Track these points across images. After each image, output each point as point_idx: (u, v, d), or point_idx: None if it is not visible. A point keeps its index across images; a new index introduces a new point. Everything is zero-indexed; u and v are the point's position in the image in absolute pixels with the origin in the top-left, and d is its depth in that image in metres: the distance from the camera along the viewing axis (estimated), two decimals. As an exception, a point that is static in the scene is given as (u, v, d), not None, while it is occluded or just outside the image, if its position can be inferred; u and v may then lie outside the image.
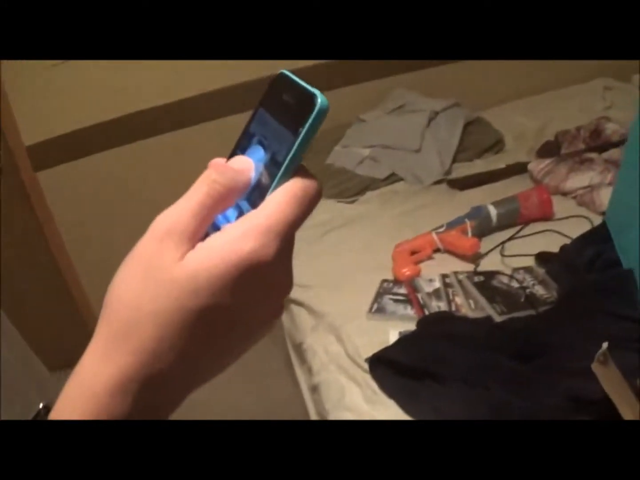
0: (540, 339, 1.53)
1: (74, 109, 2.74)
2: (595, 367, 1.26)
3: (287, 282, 0.50)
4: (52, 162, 2.82)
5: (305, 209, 0.48)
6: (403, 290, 1.89)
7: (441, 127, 2.51)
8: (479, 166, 2.44)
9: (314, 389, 1.81)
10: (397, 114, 2.59)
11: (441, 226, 2.07)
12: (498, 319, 1.67)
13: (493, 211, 2.05)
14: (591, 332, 1.48)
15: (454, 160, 2.46)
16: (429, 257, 2.03)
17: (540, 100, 2.77)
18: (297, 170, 0.48)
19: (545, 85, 2.81)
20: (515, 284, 1.78)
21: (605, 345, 1.29)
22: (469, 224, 2.03)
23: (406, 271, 1.94)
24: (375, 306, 1.86)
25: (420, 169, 2.43)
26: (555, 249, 1.89)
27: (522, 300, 1.72)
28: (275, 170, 0.48)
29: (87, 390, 0.47)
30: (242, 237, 0.46)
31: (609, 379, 1.27)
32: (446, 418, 1.47)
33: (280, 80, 0.51)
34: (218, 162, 0.51)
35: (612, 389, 1.25)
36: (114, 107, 2.74)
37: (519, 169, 2.32)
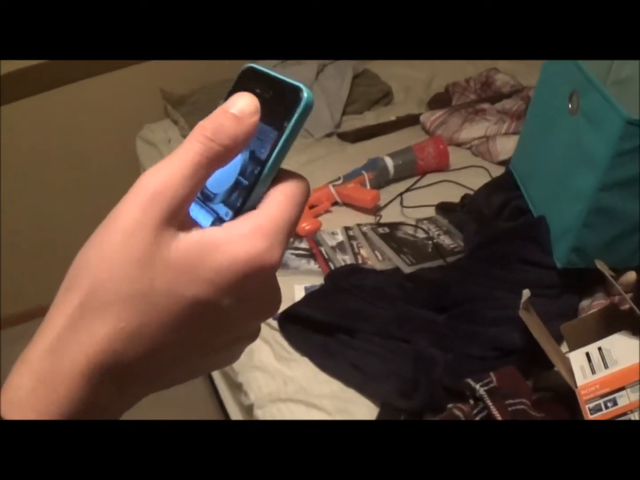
0: (456, 289, 1.52)
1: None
2: (522, 313, 1.25)
3: (277, 296, 0.45)
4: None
5: (301, 210, 0.45)
6: (305, 245, 1.84)
7: (330, 79, 2.47)
8: (369, 118, 2.41)
9: (219, 349, 1.75)
10: (283, 66, 2.53)
11: (338, 179, 2.03)
12: (407, 269, 1.65)
13: (390, 162, 2.03)
14: (507, 280, 1.49)
15: (344, 113, 2.42)
16: (328, 211, 1.99)
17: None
18: (283, 170, 0.45)
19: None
20: (420, 235, 1.77)
21: (527, 292, 1.29)
22: (366, 176, 2.00)
23: (306, 225, 1.89)
24: (277, 261, 1.80)
25: (310, 122, 2.37)
26: (453, 199, 1.90)
27: (430, 250, 1.70)
28: (257, 168, 0.44)
29: (44, 377, 0.40)
30: (250, 237, 0.41)
31: (533, 324, 1.27)
32: (365, 372, 1.44)
33: (250, 74, 0.47)
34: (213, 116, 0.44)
35: (537, 334, 1.25)
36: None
37: (411, 120, 2.31)
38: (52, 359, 0.39)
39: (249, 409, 1.54)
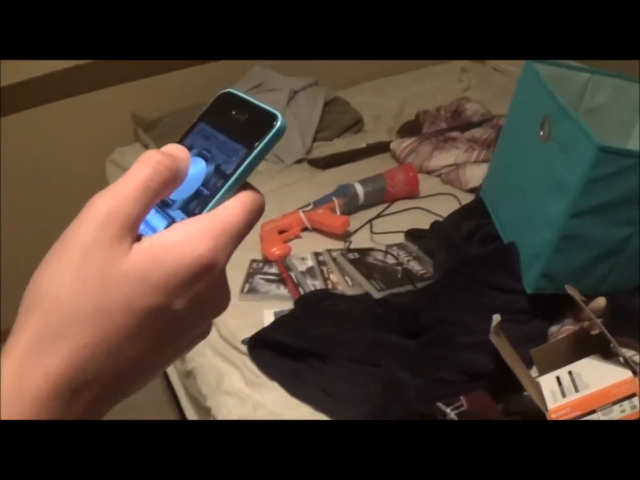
0: (426, 314, 1.52)
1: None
2: (493, 337, 1.26)
3: (227, 294, 0.47)
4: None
5: (254, 219, 0.47)
6: (274, 270, 1.84)
7: (301, 105, 2.47)
8: (340, 145, 2.42)
9: (188, 374, 1.73)
10: (255, 92, 2.53)
11: (308, 205, 2.03)
12: (377, 295, 1.65)
13: (360, 189, 2.04)
14: (476, 306, 1.49)
15: (315, 140, 2.44)
16: (298, 236, 1.99)
17: (397, 80, 2.79)
18: (243, 184, 0.47)
19: (402, 65, 2.83)
20: (390, 260, 1.77)
21: (497, 317, 1.29)
22: (336, 202, 2.01)
23: (276, 250, 1.89)
24: (247, 286, 1.79)
25: (281, 148, 2.38)
26: (423, 225, 1.91)
27: (400, 275, 1.71)
28: (221, 181, 0.47)
29: (11, 403, 0.40)
30: (198, 236, 0.43)
31: (504, 349, 1.27)
32: (335, 398, 1.44)
33: (227, 98, 0.51)
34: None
35: (508, 358, 1.25)
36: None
37: (381, 148, 2.33)
38: (17, 384, 0.39)
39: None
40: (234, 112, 0.49)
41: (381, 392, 1.38)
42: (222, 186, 0.46)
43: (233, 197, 0.46)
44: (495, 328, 1.27)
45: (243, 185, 0.47)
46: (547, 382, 1.24)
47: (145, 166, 0.43)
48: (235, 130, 0.48)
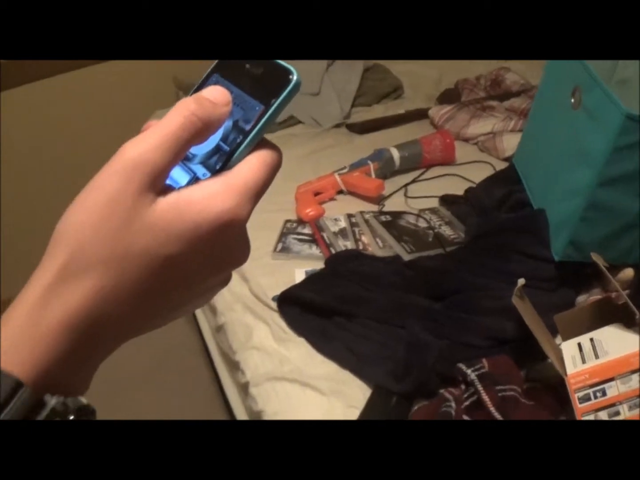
0: (453, 278, 1.54)
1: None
2: (515, 300, 1.27)
3: (246, 248, 0.50)
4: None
5: (272, 176, 0.49)
6: (307, 230, 1.86)
7: (340, 71, 2.49)
8: (378, 111, 2.43)
9: (219, 329, 1.77)
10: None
11: (343, 168, 2.04)
12: (407, 257, 1.66)
13: (396, 154, 2.05)
14: (503, 271, 1.50)
15: (353, 105, 2.45)
16: (332, 198, 2.01)
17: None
18: (261, 139, 0.49)
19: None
20: (422, 224, 1.79)
21: (522, 280, 1.30)
22: (372, 166, 2.02)
23: (310, 211, 1.91)
24: (280, 246, 1.82)
25: (319, 113, 2.40)
26: (458, 192, 1.91)
27: (430, 239, 1.72)
28: (240, 137, 0.48)
29: (27, 332, 0.42)
30: (221, 194, 0.45)
31: (527, 313, 1.28)
32: (359, 356, 1.46)
33: None
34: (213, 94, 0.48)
35: (530, 323, 1.26)
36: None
37: (419, 114, 2.33)
38: (35, 316, 0.42)
39: (244, 386, 1.56)
40: (247, 66, 0.50)
41: (403, 352, 1.40)
42: (241, 143, 0.48)
43: (253, 155, 0.48)
44: (519, 291, 1.28)
45: (262, 141, 0.49)
46: (568, 348, 1.25)
47: (179, 116, 0.45)
48: (250, 85, 0.50)
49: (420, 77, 2.61)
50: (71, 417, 0.43)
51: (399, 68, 2.61)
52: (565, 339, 1.28)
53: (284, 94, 0.48)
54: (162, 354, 2.53)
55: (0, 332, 0.42)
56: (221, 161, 0.48)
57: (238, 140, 0.48)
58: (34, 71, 2.61)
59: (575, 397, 1.17)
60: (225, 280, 0.52)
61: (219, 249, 0.46)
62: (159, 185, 0.44)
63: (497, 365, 1.31)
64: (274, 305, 1.62)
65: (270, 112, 0.48)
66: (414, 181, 2.04)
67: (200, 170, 0.48)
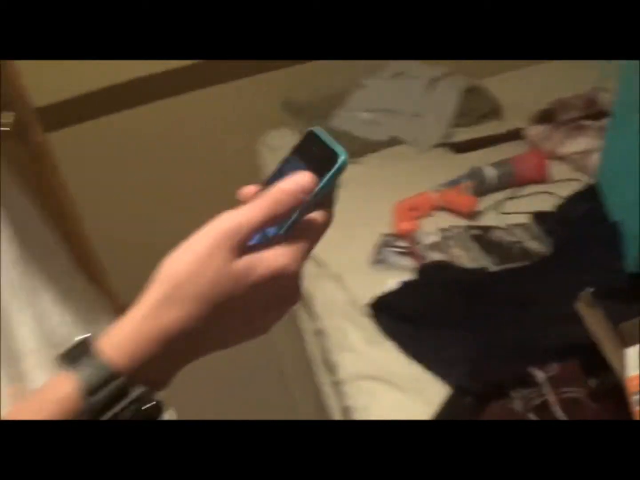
0: (532, 287, 1.63)
1: (85, 71, 2.81)
2: (580, 307, 1.36)
3: (298, 292, 0.65)
4: (63, 124, 2.89)
5: (322, 234, 0.66)
6: (403, 243, 1.99)
7: (440, 93, 2.60)
8: (477, 131, 2.52)
9: (318, 332, 1.92)
10: (396, 80, 2.68)
11: (440, 185, 2.16)
12: (492, 269, 1.77)
13: (490, 172, 2.15)
14: (580, 282, 1.58)
15: (452, 125, 2.55)
16: (428, 214, 2.13)
17: (536, 70, 2.84)
18: (319, 203, 0.65)
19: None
20: (510, 238, 1.88)
21: (589, 289, 1.39)
22: (467, 184, 2.13)
23: (405, 225, 2.04)
24: (376, 257, 1.96)
25: (420, 133, 2.52)
26: (550, 209, 1.99)
27: (516, 252, 1.82)
28: (302, 204, 0.63)
29: (135, 334, 0.60)
30: (283, 254, 0.62)
31: (594, 320, 1.37)
32: (442, 359, 1.58)
33: (311, 135, 0.67)
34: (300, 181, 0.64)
35: (596, 329, 1.35)
36: (125, 69, 2.81)
37: (516, 134, 2.41)
38: (139, 327, 0.60)
39: (337, 384, 1.70)
40: (314, 148, 0.65)
41: (482, 356, 1.51)
42: (304, 210, 0.63)
43: (308, 221, 0.64)
44: (585, 299, 1.37)
45: (319, 204, 0.65)
46: (631, 354, 1.32)
47: (271, 202, 0.62)
48: (313, 163, 0.64)
49: (519, 98, 2.68)
50: (145, 407, 0.60)
51: (498, 88, 2.70)
52: (628, 345, 1.36)
53: (330, 173, 0.63)
54: (264, 357, 2.72)
55: (111, 335, 0.60)
56: (287, 222, 0.63)
57: (300, 208, 0.63)
58: (135, 98, 2.84)
59: (632, 399, 1.25)
60: (280, 317, 0.67)
61: (279, 291, 0.63)
62: (241, 249, 0.61)
63: (566, 370, 1.40)
64: (366, 311, 1.76)
65: (319, 186, 0.63)
66: (506, 199, 2.13)
67: (271, 231, 0.64)
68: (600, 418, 1.32)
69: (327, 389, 1.85)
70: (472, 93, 2.64)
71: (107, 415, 0.58)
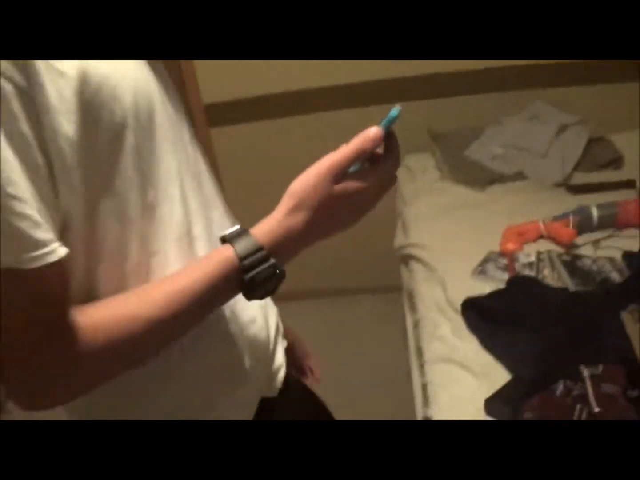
0: (599, 307, 1.90)
1: (255, 75, 3.23)
2: (626, 316, 1.62)
3: (374, 204, 1.00)
4: (225, 122, 3.34)
5: (388, 170, 0.99)
6: (504, 260, 2.28)
7: (568, 138, 2.86)
8: (596, 177, 2.76)
9: (416, 324, 2.24)
10: (531, 121, 2.97)
11: (549, 218, 2.44)
12: (572, 289, 2.04)
13: (595, 212, 2.40)
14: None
15: (574, 169, 2.81)
16: (533, 240, 2.40)
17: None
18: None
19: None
20: (595, 268, 2.14)
21: (635, 305, 1.65)
22: (572, 219, 2.39)
23: (510, 246, 2.33)
24: (479, 269, 2.26)
25: (544, 171, 2.80)
26: (640, 251, 2.23)
27: (597, 280, 2.08)
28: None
29: (273, 227, 0.94)
30: (362, 181, 0.95)
31: (632, 327, 1.62)
32: (517, 355, 1.86)
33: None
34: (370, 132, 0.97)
35: (633, 334, 1.60)
36: (293, 79, 3.22)
37: (629, 184, 2.64)
38: (275, 225, 0.95)
39: (422, 365, 2.03)
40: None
41: (543, 354, 1.79)
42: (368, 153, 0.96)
43: (375, 157, 0.98)
44: (632, 311, 1.63)
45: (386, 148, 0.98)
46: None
47: (364, 142, 0.95)
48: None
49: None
50: (276, 271, 0.93)
51: (623, 142, 2.92)
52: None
53: (385, 120, 0.96)
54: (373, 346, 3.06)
55: (257, 227, 0.95)
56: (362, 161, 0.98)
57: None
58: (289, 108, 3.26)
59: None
60: (361, 217, 1.00)
61: (361, 202, 0.98)
62: (339, 177, 0.94)
63: (609, 371, 1.66)
64: (458, 307, 2.07)
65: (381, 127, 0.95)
66: (605, 237, 2.37)
67: (353, 167, 0.97)
68: (629, 414, 1.57)
69: (415, 369, 2.16)
70: (598, 142, 2.89)
71: (251, 274, 0.91)
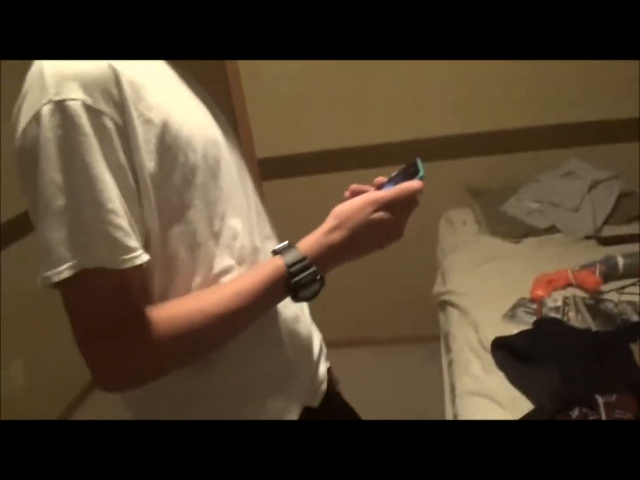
0: (617, 345, 2.05)
1: (304, 133, 3.48)
2: (635, 348, 1.77)
3: (400, 235, 1.20)
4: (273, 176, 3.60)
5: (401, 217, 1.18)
6: (533, 306, 2.44)
7: (599, 193, 3.03)
8: (625, 230, 2.92)
9: (450, 363, 2.40)
10: (565, 177, 3.14)
11: (577, 266, 2.60)
12: (594, 329, 2.19)
13: (620, 260, 2.55)
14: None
15: (605, 222, 2.97)
16: (562, 287, 2.56)
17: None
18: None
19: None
20: (616, 310, 2.29)
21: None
22: (598, 267, 2.54)
23: (540, 292, 2.49)
24: (510, 313, 2.42)
25: (575, 225, 2.96)
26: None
27: (618, 321, 2.23)
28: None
29: (315, 242, 1.15)
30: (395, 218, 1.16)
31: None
32: (540, 388, 2.00)
33: (415, 162, 1.21)
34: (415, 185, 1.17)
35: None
36: (335, 139, 3.46)
37: (656, 237, 2.80)
38: (318, 240, 1.16)
39: (454, 399, 2.19)
40: (411, 169, 1.21)
41: (562, 386, 1.94)
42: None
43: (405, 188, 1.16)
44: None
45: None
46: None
47: (409, 191, 1.15)
48: (408, 175, 1.19)
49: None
50: (317, 277, 1.13)
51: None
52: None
53: (415, 178, 1.17)
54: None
55: (301, 242, 1.16)
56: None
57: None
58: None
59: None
60: (389, 243, 1.20)
61: (392, 232, 1.17)
62: (379, 209, 1.15)
63: (622, 398, 1.80)
64: (488, 346, 2.23)
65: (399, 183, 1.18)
66: (630, 285, 2.52)
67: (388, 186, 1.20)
68: None
69: (447, 404, 2.32)
70: (629, 197, 3.05)
71: (297, 278, 1.11)
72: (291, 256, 1.12)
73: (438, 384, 2.78)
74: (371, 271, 3.59)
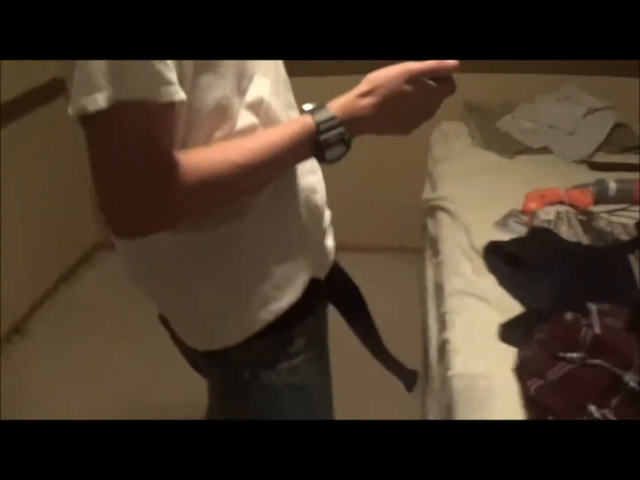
0: (612, 257, 2.10)
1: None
2: (633, 258, 1.82)
3: (433, 111, 1.22)
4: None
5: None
6: (525, 218, 2.48)
7: (595, 120, 3.07)
8: (616, 160, 2.95)
9: (438, 264, 2.44)
10: (562, 102, 3.17)
11: (570, 186, 2.63)
12: (585, 243, 2.24)
13: (613, 185, 2.58)
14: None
15: (598, 149, 3.01)
16: (554, 204, 2.60)
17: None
18: None
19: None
20: (608, 229, 2.34)
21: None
22: (591, 189, 2.59)
23: (532, 205, 2.52)
24: (501, 222, 2.45)
25: (568, 148, 3.00)
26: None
27: (608, 239, 2.28)
28: None
29: (347, 104, 1.16)
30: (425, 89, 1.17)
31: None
32: (532, 293, 2.05)
33: None
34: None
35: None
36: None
37: (647, 167, 2.84)
38: (350, 102, 1.18)
39: (442, 298, 2.22)
40: None
41: (556, 292, 1.99)
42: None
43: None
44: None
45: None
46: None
47: (443, 63, 1.15)
48: None
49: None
50: (345, 137, 1.15)
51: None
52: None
53: None
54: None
55: (331, 103, 1.17)
56: None
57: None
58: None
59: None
60: (419, 124, 1.22)
61: (424, 107, 1.20)
62: (411, 80, 1.15)
63: (615, 309, 1.85)
64: (480, 249, 2.27)
65: None
66: (620, 209, 2.56)
67: None
68: (629, 345, 1.75)
69: (430, 302, 2.37)
70: (623, 128, 3.09)
71: (325, 136, 1.13)
72: (321, 115, 1.14)
73: (414, 290, 2.83)
74: (359, 179, 3.60)
